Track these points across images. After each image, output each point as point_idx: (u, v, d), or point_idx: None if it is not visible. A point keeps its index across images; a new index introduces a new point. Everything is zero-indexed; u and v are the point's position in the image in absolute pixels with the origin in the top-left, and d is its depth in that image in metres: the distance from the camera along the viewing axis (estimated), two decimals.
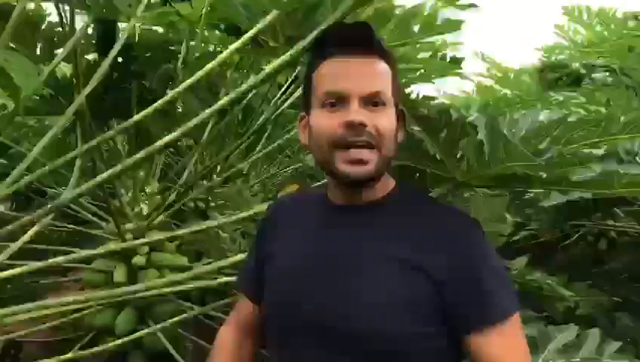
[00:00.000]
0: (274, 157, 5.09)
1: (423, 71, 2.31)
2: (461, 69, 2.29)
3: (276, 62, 1.56)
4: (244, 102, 3.36)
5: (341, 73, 1.01)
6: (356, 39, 1.02)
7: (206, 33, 3.07)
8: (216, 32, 3.41)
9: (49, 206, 1.78)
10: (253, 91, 3.31)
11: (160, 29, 3.20)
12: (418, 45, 2.15)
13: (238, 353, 1.24)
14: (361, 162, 0.99)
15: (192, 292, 3.17)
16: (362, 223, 1.05)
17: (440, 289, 0.96)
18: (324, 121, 1.01)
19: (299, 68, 3.01)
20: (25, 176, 1.82)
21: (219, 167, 3.93)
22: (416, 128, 1.25)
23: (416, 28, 1.77)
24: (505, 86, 5.15)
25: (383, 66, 1.03)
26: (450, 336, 0.99)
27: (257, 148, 4.31)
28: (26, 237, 2.16)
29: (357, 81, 0.99)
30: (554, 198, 2.06)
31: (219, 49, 3.86)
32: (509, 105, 2.45)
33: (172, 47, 3.04)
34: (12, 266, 2.02)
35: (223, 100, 1.70)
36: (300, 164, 4.66)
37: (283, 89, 3.37)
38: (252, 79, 1.51)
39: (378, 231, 1.03)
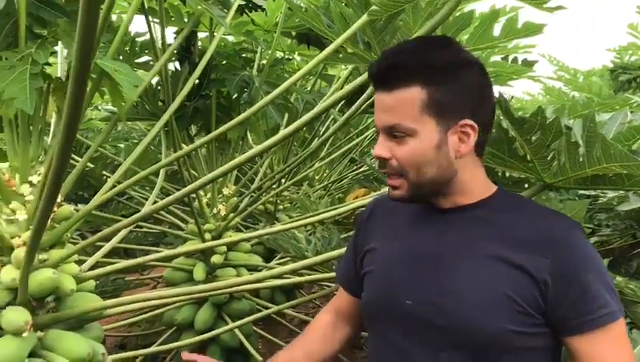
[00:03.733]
0: (337, 162, 5.16)
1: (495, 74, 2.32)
2: (533, 71, 2.29)
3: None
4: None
5: (375, 108, 1.08)
6: (377, 73, 1.06)
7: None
8: (286, 38, 3.52)
9: (141, 213, 1.90)
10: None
11: (231, 38, 3.34)
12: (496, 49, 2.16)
13: (329, 334, 1.33)
14: (393, 187, 1.08)
15: (262, 290, 3.28)
16: (462, 223, 1.08)
17: (543, 289, 0.98)
18: None
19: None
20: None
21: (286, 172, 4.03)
22: (505, 126, 1.27)
23: (497, 32, 1.78)
24: (574, 88, 5.03)
25: (404, 94, 1.02)
26: (550, 337, 1.01)
27: (321, 155, 4.39)
28: (116, 239, 2.29)
29: (379, 116, 1.06)
30: (634, 202, 2.01)
31: (287, 56, 3.98)
32: (586, 107, 2.41)
33: (245, 55, 3.17)
34: (103, 264, 2.17)
35: (310, 114, 1.75)
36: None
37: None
38: (347, 87, 1.56)
39: (477, 231, 1.06)
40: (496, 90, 1.21)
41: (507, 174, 1.64)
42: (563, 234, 1.02)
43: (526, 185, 1.59)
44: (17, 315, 1.55)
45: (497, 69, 2.29)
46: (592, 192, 2.45)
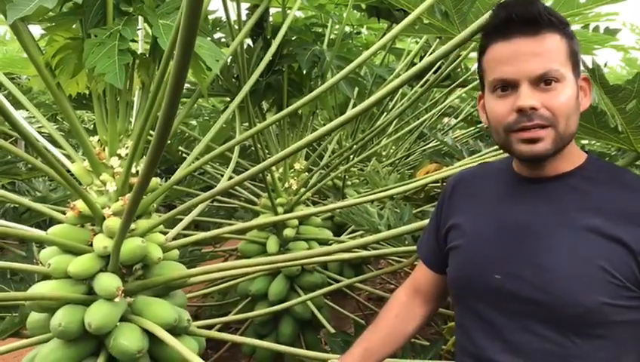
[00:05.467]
0: (403, 138, 5.11)
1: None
2: (617, 40, 2.18)
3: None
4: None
5: (507, 58, 1.00)
6: (518, 19, 1.00)
7: (344, 14, 3.15)
8: (356, 12, 3.49)
9: (218, 188, 1.94)
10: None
11: (299, 13, 3.34)
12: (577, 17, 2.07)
13: (406, 313, 1.33)
14: (536, 140, 1.00)
15: (330, 264, 3.31)
16: (553, 194, 1.05)
17: None
18: (496, 108, 1.03)
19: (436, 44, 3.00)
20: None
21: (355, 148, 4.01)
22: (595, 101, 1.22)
23: None
24: None
25: (551, 40, 0.99)
26: None
27: (389, 131, 4.35)
28: (195, 212, 2.36)
29: (523, 64, 0.99)
30: None
31: (356, 30, 3.94)
32: None
33: (315, 30, 3.16)
34: (179, 236, 2.24)
35: (383, 92, 1.71)
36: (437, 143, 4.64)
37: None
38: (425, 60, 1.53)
39: (569, 202, 1.03)
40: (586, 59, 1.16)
41: (586, 148, 1.58)
42: None
43: (607, 159, 1.54)
44: (110, 281, 1.64)
45: (580, 38, 2.19)
46: None
